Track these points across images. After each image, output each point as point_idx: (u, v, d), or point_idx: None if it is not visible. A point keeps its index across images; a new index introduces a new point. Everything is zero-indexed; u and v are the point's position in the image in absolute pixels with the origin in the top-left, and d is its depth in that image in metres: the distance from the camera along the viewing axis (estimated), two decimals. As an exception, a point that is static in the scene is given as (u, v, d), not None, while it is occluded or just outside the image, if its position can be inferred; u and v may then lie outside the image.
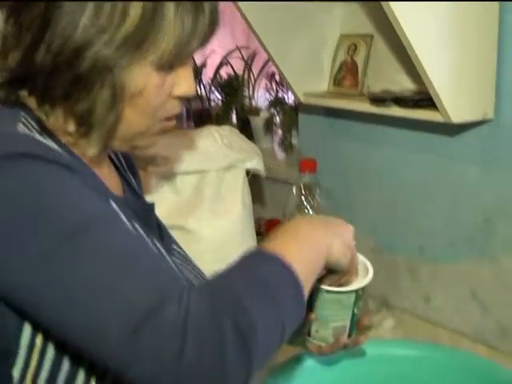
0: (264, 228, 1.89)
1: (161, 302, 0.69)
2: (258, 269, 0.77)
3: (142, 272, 0.71)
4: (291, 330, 0.78)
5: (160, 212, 1.00)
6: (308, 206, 1.46)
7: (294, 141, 2.05)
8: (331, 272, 0.93)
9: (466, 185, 1.44)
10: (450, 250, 1.50)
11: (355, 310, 1.00)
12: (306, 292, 0.81)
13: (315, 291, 0.96)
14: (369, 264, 1.02)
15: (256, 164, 1.49)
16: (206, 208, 1.38)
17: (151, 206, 0.99)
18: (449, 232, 1.50)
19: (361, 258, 1.01)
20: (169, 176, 1.38)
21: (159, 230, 1.01)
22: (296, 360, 1.15)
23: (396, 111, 1.40)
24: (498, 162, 1.37)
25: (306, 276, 0.81)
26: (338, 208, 1.74)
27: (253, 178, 1.61)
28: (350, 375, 1.18)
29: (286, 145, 2.07)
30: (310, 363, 1.16)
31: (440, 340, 1.47)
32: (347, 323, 1.00)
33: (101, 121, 0.80)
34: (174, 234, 1.04)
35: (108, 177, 0.91)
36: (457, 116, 1.30)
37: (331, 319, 0.99)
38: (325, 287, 0.96)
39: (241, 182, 1.41)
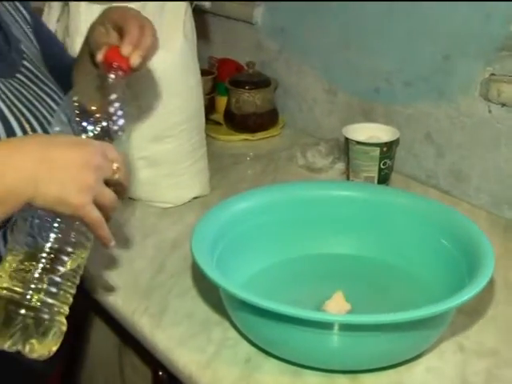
0: (216, 67, 1.78)
1: None
2: None
3: None
4: None
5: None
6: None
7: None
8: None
9: (424, 18, 1.35)
10: (406, 91, 1.43)
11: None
12: None
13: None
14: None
15: (200, -6, 1.37)
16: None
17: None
18: (405, 71, 1.42)
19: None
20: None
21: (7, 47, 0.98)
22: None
23: None
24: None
25: None
26: (289, 48, 1.65)
27: (199, 15, 1.49)
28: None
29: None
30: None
31: (392, 184, 1.42)
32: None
33: None
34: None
35: None
36: None
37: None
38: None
39: (182, 12, 1.28)
